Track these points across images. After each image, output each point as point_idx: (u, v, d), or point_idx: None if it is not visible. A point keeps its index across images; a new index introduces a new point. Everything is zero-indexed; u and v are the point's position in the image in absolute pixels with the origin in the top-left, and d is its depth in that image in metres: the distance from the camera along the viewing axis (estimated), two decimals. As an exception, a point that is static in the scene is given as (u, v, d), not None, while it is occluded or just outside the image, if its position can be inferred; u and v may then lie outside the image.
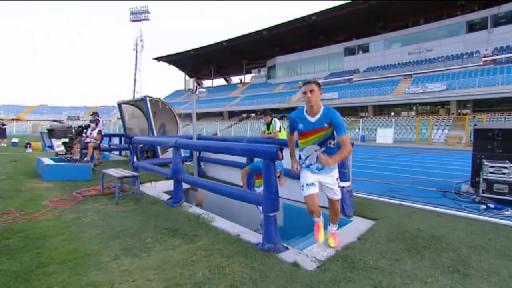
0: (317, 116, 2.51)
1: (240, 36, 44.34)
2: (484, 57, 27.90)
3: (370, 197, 4.87)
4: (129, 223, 3.41)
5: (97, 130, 8.01)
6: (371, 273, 2.28)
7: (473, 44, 30.07)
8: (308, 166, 2.67)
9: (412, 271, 2.33)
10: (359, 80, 35.58)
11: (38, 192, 4.84)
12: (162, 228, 3.22)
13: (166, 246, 2.75)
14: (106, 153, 11.71)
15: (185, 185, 5.06)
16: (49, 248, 2.67)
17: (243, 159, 5.51)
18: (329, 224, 2.92)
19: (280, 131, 5.56)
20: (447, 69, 29.21)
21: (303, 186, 2.62)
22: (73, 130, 7.08)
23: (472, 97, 24.54)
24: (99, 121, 8.41)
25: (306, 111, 2.56)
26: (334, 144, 2.60)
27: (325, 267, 2.39)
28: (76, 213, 3.74)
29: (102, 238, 2.94)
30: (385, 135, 24.98)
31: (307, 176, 2.63)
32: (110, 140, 12.60)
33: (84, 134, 7.84)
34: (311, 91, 2.48)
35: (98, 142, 7.96)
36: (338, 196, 2.75)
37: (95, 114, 8.83)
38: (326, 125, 2.49)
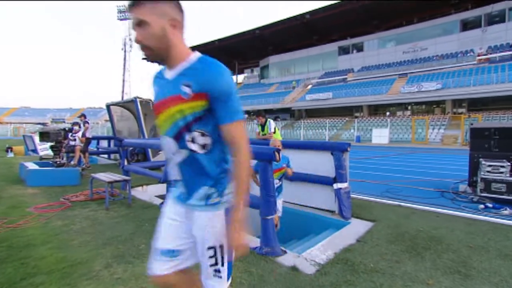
0: (176, 71, 1.14)
1: (232, 36, 44.38)
2: (479, 55, 28.48)
3: (367, 198, 4.91)
4: (120, 229, 3.36)
5: (80, 133, 7.92)
6: (372, 276, 2.30)
7: (468, 43, 30.69)
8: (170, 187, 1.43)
9: (413, 273, 2.35)
10: (353, 80, 35.98)
11: (22, 199, 4.73)
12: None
13: (160, 252, 2.71)
14: (94, 156, 11.56)
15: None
16: (36, 258, 2.60)
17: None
18: None
19: (275, 132, 5.59)
20: (442, 68, 29.75)
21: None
22: (62, 133, 6.95)
23: (467, 96, 25.01)
24: (88, 123, 8.30)
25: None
26: (206, 145, 1.12)
27: (325, 270, 2.40)
28: (64, 220, 3.67)
29: (93, 245, 2.88)
30: (380, 135, 25.29)
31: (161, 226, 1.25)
32: (98, 143, 12.45)
33: (70, 137, 7.72)
34: (138, 24, 1.06)
35: (82, 144, 7.87)
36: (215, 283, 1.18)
37: (82, 116, 8.71)
38: (186, 90, 1.08)
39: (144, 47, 1.09)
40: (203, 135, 1.11)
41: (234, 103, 1.09)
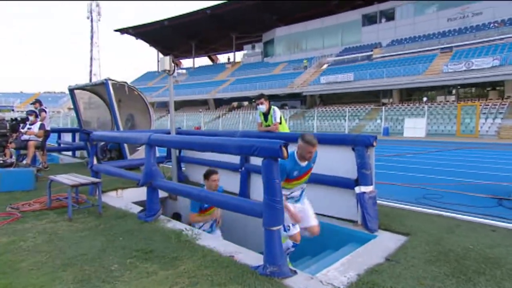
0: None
1: (227, 2, 44.18)
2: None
3: (399, 205, 4.91)
4: (87, 245, 3.35)
5: (38, 124, 7.89)
6: (407, 304, 2.28)
7: (542, 2, 29.07)
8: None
9: (462, 303, 2.32)
10: (381, 57, 35.80)
11: (-48, 210, 4.68)
12: (132, 250, 3.18)
13: (138, 274, 2.71)
14: (55, 154, 11.57)
15: (162, 193, 5.03)
16: (-31, 287, 2.57)
17: (235, 159, 5.49)
18: None
19: (280, 122, 5.56)
20: (502, 38, 28.86)
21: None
22: (7, 124, 6.93)
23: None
24: (45, 111, 8.29)
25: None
26: None
27: (346, 297, 2.38)
28: (11, 236, 3.62)
29: (49, 267, 2.85)
30: (415, 126, 25.24)
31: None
32: (59, 137, 12.49)
33: (21, 130, 7.70)
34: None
35: (40, 139, 7.85)
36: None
37: (37, 102, 8.70)
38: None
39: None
40: None
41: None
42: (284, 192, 3.13)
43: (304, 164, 3.24)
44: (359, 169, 3.84)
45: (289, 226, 3.33)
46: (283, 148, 2.62)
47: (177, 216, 5.81)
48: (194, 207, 4.39)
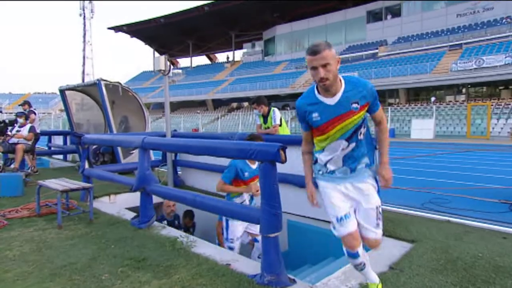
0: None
1: (227, -2, 44.32)
2: None
3: (403, 210, 4.89)
4: (77, 253, 3.35)
5: (28, 126, 7.90)
6: (410, 314, 2.27)
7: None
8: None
9: (469, 315, 2.32)
10: (387, 55, 35.84)
11: None
12: (124, 259, 3.18)
13: (130, 283, 2.71)
14: (45, 158, 11.58)
15: (156, 199, 5.04)
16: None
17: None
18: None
19: (281, 124, 5.59)
20: None
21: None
22: None
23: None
24: (34, 113, 8.31)
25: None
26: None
27: (348, 307, 2.38)
28: (-4, 244, 3.63)
29: (36, 277, 2.85)
30: (422, 128, 25.22)
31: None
32: (50, 140, 12.52)
33: (9, 133, 7.71)
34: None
35: (30, 143, 7.86)
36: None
37: (26, 104, 8.71)
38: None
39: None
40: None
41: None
42: (318, 157, 2.28)
43: (331, 101, 2.07)
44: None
45: (333, 223, 2.28)
46: (281, 152, 2.62)
47: (190, 214, 5.77)
48: (226, 177, 3.87)
